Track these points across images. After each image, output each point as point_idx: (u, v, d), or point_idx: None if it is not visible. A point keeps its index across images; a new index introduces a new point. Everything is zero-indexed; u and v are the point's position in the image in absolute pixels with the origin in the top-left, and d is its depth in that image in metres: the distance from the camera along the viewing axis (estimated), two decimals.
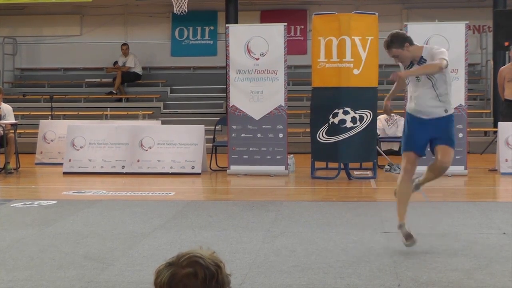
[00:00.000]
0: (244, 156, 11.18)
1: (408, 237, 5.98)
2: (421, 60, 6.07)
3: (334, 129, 10.56)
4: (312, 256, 5.78)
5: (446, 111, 6.10)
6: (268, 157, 11.12)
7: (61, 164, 11.72)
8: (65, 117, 15.54)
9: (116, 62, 17.54)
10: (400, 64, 6.27)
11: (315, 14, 11.07)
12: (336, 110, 10.52)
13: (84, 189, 9.80)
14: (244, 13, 16.42)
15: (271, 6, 17.80)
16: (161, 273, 2.16)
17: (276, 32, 11.17)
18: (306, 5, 17.73)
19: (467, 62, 10.95)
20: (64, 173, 11.42)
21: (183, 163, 11.28)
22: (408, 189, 6.24)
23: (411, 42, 6.07)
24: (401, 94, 10.59)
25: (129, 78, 17.50)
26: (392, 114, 11.61)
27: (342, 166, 10.69)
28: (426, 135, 6.16)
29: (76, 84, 17.89)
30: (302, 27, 17.77)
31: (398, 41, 6.03)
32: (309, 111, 11.33)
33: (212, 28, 18.14)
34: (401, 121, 11.21)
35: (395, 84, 6.60)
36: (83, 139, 11.65)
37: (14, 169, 11.67)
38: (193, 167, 11.26)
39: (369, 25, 10.60)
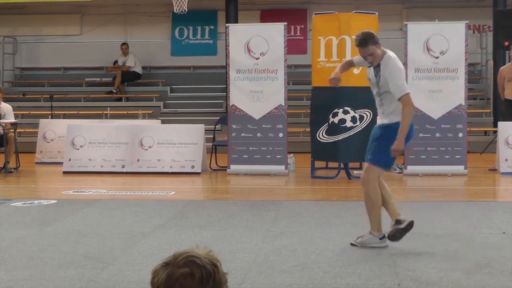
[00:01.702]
0: (244, 156, 11.18)
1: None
2: (377, 68, 6.05)
3: (334, 129, 10.56)
4: (312, 256, 5.78)
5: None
6: (268, 156, 11.12)
7: (61, 163, 11.72)
8: (65, 116, 15.53)
9: (116, 62, 17.53)
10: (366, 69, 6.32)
11: (315, 14, 11.07)
12: (336, 110, 10.52)
13: (84, 188, 9.80)
14: (244, 13, 16.41)
15: (271, 5, 17.79)
16: (158, 273, 2.16)
17: (276, 31, 11.17)
18: (306, 4, 17.72)
19: (467, 62, 10.96)
20: (64, 172, 11.42)
21: (183, 163, 11.28)
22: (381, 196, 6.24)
23: (380, 43, 6.10)
24: None
25: (129, 77, 17.50)
26: None
27: (342, 165, 10.69)
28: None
29: (76, 84, 17.89)
30: (302, 26, 17.76)
31: (372, 38, 6.04)
32: (309, 111, 11.33)
33: (212, 27, 18.13)
34: None
35: (345, 63, 6.64)
36: (83, 139, 11.64)
37: (14, 168, 11.66)
38: (193, 167, 11.26)
39: (369, 24, 10.57)
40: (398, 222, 6.08)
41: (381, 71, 6.02)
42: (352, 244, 6.11)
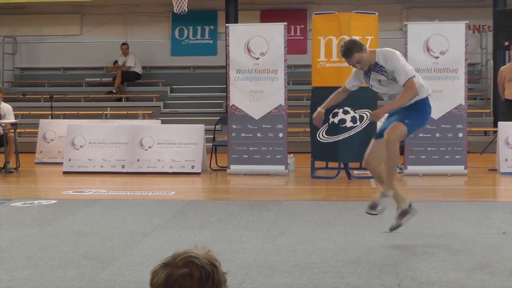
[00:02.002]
0: (244, 156, 11.18)
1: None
2: (377, 67, 6.08)
3: (334, 129, 10.56)
4: (312, 256, 5.78)
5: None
6: (268, 156, 11.12)
7: (61, 163, 11.72)
8: (65, 116, 15.54)
9: (116, 62, 17.53)
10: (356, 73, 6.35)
11: (315, 14, 11.07)
12: (336, 110, 10.52)
13: (84, 188, 9.80)
14: (244, 13, 16.41)
15: (271, 5, 17.79)
16: (157, 273, 2.16)
17: (276, 31, 11.17)
18: (306, 4, 17.72)
19: (467, 62, 10.96)
20: (64, 172, 11.42)
21: (183, 163, 11.28)
22: (378, 168, 6.37)
23: (366, 47, 6.12)
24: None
25: (129, 77, 17.50)
26: None
27: (342, 165, 10.69)
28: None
29: (76, 84, 17.89)
30: (302, 26, 17.76)
31: (357, 46, 6.05)
32: (309, 111, 11.33)
33: (212, 27, 18.14)
34: None
35: (334, 94, 6.62)
36: (83, 139, 11.65)
37: (14, 168, 11.67)
38: (193, 167, 11.26)
39: (369, 24, 10.60)
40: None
41: (384, 68, 6.04)
42: (370, 213, 6.27)
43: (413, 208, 6.31)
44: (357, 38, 6.24)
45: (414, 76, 6.04)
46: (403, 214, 6.29)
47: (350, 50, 6.00)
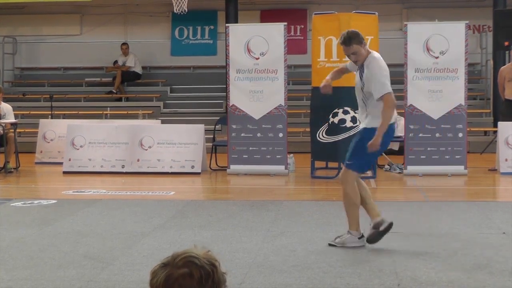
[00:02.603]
0: (244, 156, 11.18)
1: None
2: (361, 69, 6.07)
3: (334, 129, 10.56)
4: (312, 256, 5.78)
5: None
6: (268, 156, 11.11)
7: (61, 163, 11.72)
8: (65, 116, 15.54)
9: (116, 62, 17.53)
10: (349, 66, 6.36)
11: (315, 14, 11.07)
12: (336, 110, 10.52)
13: (84, 188, 9.80)
14: (244, 13, 16.41)
15: (271, 5, 17.79)
16: (156, 273, 2.16)
17: (276, 31, 11.17)
18: (306, 4, 17.72)
19: (467, 62, 10.96)
20: (64, 172, 11.42)
21: (183, 163, 11.28)
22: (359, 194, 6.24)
23: (365, 43, 6.10)
24: (401, 94, 10.62)
25: (129, 77, 17.50)
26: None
27: (342, 165, 10.67)
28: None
29: (76, 84, 17.89)
30: (302, 26, 17.76)
31: (357, 37, 6.06)
32: (309, 111, 11.33)
33: (212, 27, 18.14)
34: (401, 120, 11.21)
35: (337, 70, 6.65)
36: (83, 139, 11.64)
37: (14, 168, 11.66)
38: (193, 167, 11.25)
39: (369, 24, 10.59)
40: (377, 225, 6.08)
41: (364, 72, 6.05)
42: (330, 245, 6.11)
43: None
44: (360, 32, 6.19)
45: (390, 93, 5.99)
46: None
47: (350, 38, 6.03)
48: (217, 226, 7.05)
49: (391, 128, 6.10)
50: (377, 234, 6.07)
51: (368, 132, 6.05)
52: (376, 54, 6.17)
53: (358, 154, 6.11)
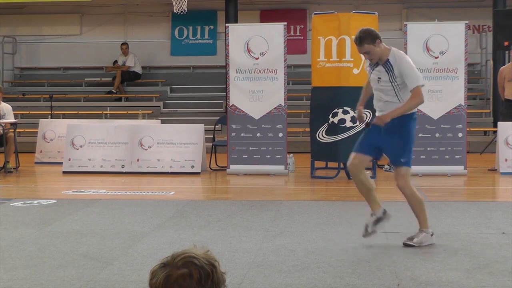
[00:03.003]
0: (243, 156, 11.18)
1: (366, 228, 6.15)
2: (387, 63, 6.05)
3: (334, 129, 10.56)
4: (312, 256, 5.78)
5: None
6: (268, 156, 11.12)
7: (61, 163, 11.72)
8: (65, 116, 15.54)
9: (115, 61, 17.54)
10: (365, 64, 6.32)
11: (315, 14, 11.07)
12: (335, 110, 10.52)
13: (83, 188, 9.80)
14: (244, 13, 16.42)
15: (271, 5, 17.80)
16: (156, 273, 2.16)
17: (275, 31, 11.17)
18: (306, 4, 17.73)
19: (466, 62, 10.96)
20: (64, 172, 11.42)
21: (183, 163, 11.28)
22: (363, 182, 6.23)
23: (381, 40, 6.09)
24: None
25: (129, 77, 17.50)
26: None
27: (341, 165, 10.68)
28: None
29: (76, 83, 17.90)
30: (302, 26, 17.77)
31: (370, 36, 6.04)
32: (309, 111, 11.33)
33: (211, 27, 18.14)
34: None
35: (363, 92, 6.58)
36: (83, 138, 11.65)
37: (13, 168, 11.67)
38: (192, 167, 11.26)
39: (368, 24, 10.50)
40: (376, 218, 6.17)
41: (393, 67, 6.01)
42: (407, 245, 6.05)
43: (387, 214, 6.22)
44: (374, 29, 6.17)
45: (423, 86, 6.03)
46: (378, 221, 6.21)
47: (362, 39, 6.03)
48: (217, 226, 7.05)
49: (415, 116, 6.14)
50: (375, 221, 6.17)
51: (408, 119, 6.05)
52: (396, 50, 6.16)
53: (409, 148, 6.09)
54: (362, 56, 6.40)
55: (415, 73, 6.03)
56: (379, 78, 6.14)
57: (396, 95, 6.06)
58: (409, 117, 6.09)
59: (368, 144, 6.21)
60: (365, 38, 6.03)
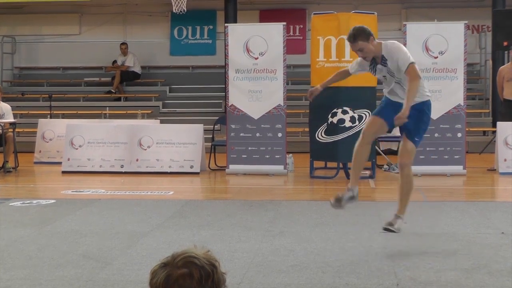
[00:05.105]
0: (243, 156, 11.18)
1: (339, 200, 6.26)
2: (383, 60, 6.05)
3: (333, 129, 10.56)
4: (311, 256, 5.78)
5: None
6: (267, 156, 11.12)
7: (60, 163, 11.72)
8: (64, 116, 15.54)
9: (115, 61, 17.54)
10: (359, 62, 6.32)
11: (314, 14, 11.08)
12: (335, 110, 10.53)
13: (82, 188, 9.80)
14: (243, 13, 16.42)
15: (270, 5, 17.80)
16: (156, 273, 2.15)
17: (275, 31, 11.17)
18: (305, 4, 17.72)
19: (466, 62, 10.97)
20: (63, 172, 11.41)
21: (182, 162, 11.28)
22: (363, 154, 6.25)
23: (374, 37, 6.08)
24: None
25: (128, 77, 17.50)
26: None
27: (341, 165, 10.69)
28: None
29: (75, 83, 17.90)
30: (301, 26, 17.77)
31: (364, 34, 6.03)
32: (308, 111, 11.33)
33: (211, 27, 18.14)
34: None
35: (334, 74, 6.62)
36: (82, 138, 11.64)
37: (12, 168, 11.66)
38: (192, 167, 11.25)
39: (368, 24, 10.43)
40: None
41: (387, 61, 6.01)
42: (387, 230, 6.11)
43: (356, 196, 6.31)
44: (367, 27, 6.17)
45: (414, 63, 6.00)
46: (352, 199, 6.30)
47: (355, 36, 6.02)
48: (216, 226, 7.05)
49: (429, 102, 6.17)
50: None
51: (422, 105, 6.09)
52: (386, 42, 6.15)
53: (424, 130, 6.17)
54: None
55: (405, 53, 6.00)
56: (384, 76, 6.14)
57: (400, 84, 6.11)
58: (427, 104, 6.14)
59: (389, 111, 6.16)
60: (359, 35, 6.02)
